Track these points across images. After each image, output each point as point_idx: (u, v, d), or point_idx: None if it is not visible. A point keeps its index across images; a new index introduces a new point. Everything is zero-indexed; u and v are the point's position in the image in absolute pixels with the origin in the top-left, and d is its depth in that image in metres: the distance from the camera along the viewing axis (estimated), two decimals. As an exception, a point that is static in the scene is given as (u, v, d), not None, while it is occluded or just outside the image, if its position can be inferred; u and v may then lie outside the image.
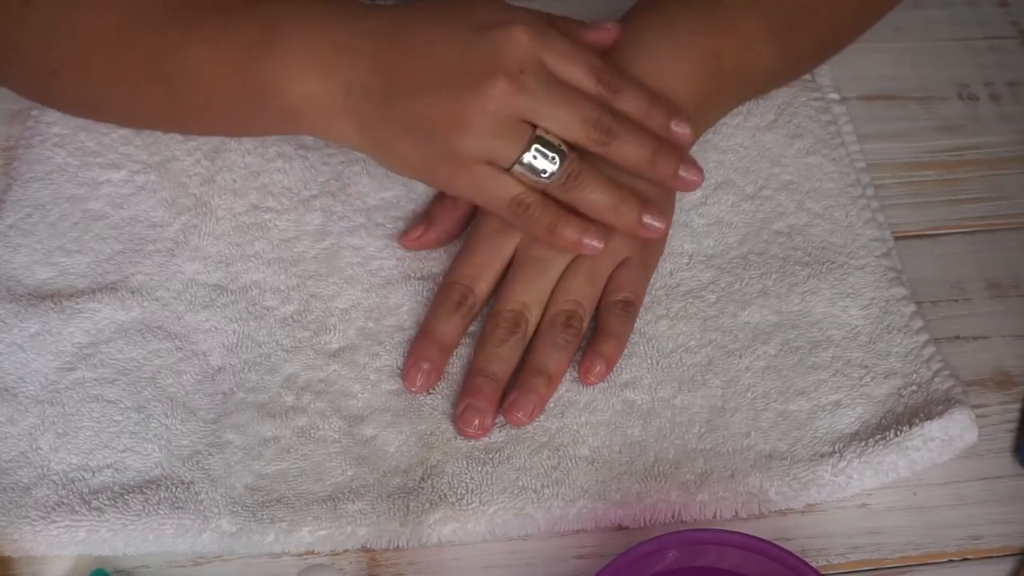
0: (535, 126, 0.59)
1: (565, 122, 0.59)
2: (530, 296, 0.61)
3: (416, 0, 0.62)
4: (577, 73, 0.60)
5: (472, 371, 0.60)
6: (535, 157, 0.59)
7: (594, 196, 0.60)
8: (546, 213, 0.60)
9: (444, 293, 0.62)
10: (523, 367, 0.60)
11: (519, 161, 0.59)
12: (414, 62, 0.59)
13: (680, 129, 0.61)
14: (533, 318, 0.61)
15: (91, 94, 0.66)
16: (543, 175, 0.59)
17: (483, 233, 0.63)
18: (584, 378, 0.60)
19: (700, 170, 0.61)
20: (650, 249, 0.64)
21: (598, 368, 0.60)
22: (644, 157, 0.60)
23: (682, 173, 0.61)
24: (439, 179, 0.61)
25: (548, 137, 0.59)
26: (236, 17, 0.62)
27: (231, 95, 0.62)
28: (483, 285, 0.62)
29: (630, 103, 0.60)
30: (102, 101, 0.67)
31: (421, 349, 0.61)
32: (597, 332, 0.61)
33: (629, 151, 0.60)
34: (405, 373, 0.60)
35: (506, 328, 0.60)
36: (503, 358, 0.60)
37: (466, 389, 0.59)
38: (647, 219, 0.60)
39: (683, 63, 0.65)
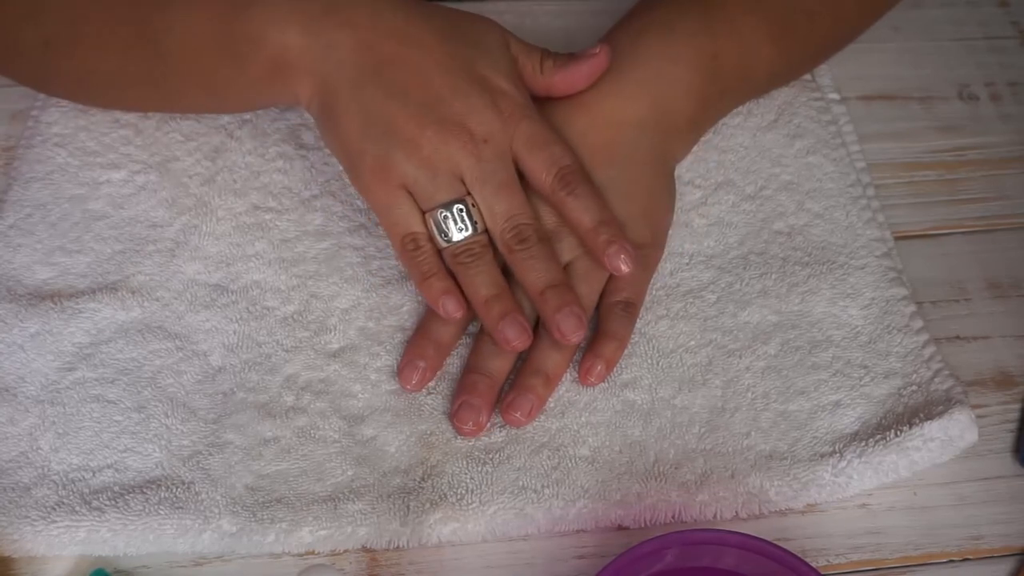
0: (470, 192, 0.59)
1: (491, 207, 0.59)
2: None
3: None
4: (537, 164, 0.60)
5: (468, 369, 0.60)
6: (448, 217, 0.59)
7: (476, 279, 0.59)
8: (428, 262, 0.60)
9: None
10: (521, 367, 0.60)
11: (435, 211, 0.59)
12: (404, 68, 0.59)
13: (616, 261, 0.59)
14: (530, 317, 0.61)
15: (82, 67, 0.65)
16: (446, 237, 0.59)
17: None
18: (584, 379, 0.60)
19: (580, 328, 0.58)
20: (650, 249, 0.64)
21: (598, 369, 0.60)
22: (535, 284, 0.59)
23: (558, 318, 0.58)
24: (361, 177, 0.60)
25: (473, 210, 0.59)
26: None
27: (216, 51, 0.62)
28: None
29: (581, 211, 0.60)
30: (93, 74, 0.66)
31: (417, 347, 0.61)
32: (598, 333, 0.61)
33: (528, 268, 0.59)
34: (400, 371, 0.60)
35: None
36: (500, 355, 0.60)
37: (461, 387, 0.59)
38: (502, 325, 0.59)
39: (680, 65, 0.65)
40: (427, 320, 0.62)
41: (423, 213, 0.60)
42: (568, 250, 0.62)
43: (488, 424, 0.59)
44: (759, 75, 0.69)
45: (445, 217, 0.59)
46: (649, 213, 0.64)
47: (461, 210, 0.59)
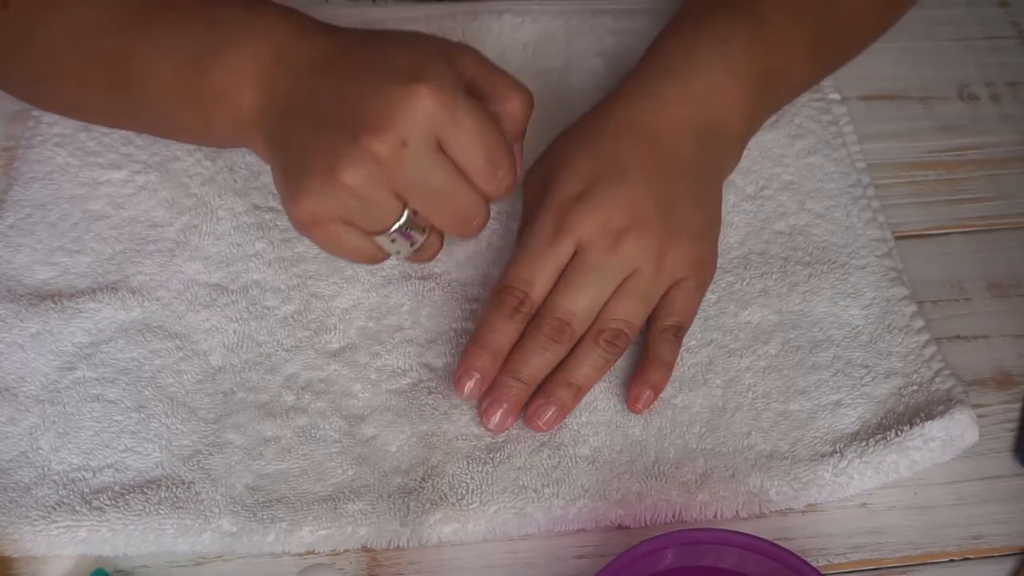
0: (406, 203, 0.56)
1: (439, 213, 0.56)
2: (580, 305, 0.59)
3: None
4: (476, 158, 0.55)
5: (506, 371, 0.59)
6: (394, 240, 0.57)
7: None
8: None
9: (500, 297, 0.59)
10: (553, 375, 0.59)
11: (380, 236, 0.57)
12: (325, 93, 0.56)
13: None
14: (579, 328, 0.59)
15: (69, 99, 0.66)
16: (400, 254, 0.58)
17: (541, 233, 0.60)
18: (632, 407, 0.59)
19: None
20: (706, 269, 0.62)
21: (646, 396, 0.59)
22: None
23: None
24: (296, 221, 0.57)
25: (417, 219, 0.56)
26: (190, 25, 0.61)
27: (182, 103, 0.61)
28: (539, 289, 0.59)
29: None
30: (80, 106, 0.66)
31: (473, 359, 0.59)
32: (646, 358, 0.60)
33: None
34: (457, 380, 0.59)
35: (549, 336, 0.59)
36: (538, 366, 0.59)
37: (496, 388, 0.59)
38: None
39: (737, 79, 0.64)
40: (483, 327, 0.59)
41: (368, 235, 0.57)
42: (620, 268, 0.59)
43: (511, 424, 0.59)
44: (797, 87, 0.69)
45: (392, 240, 0.57)
46: (713, 225, 0.63)
47: (406, 228, 0.56)
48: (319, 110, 0.56)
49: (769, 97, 0.67)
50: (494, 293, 0.60)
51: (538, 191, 0.62)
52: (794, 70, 0.67)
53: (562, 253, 0.59)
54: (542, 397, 0.59)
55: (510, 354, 0.59)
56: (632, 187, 0.60)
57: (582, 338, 0.60)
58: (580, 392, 0.59)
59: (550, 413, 0.59)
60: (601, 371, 0.60)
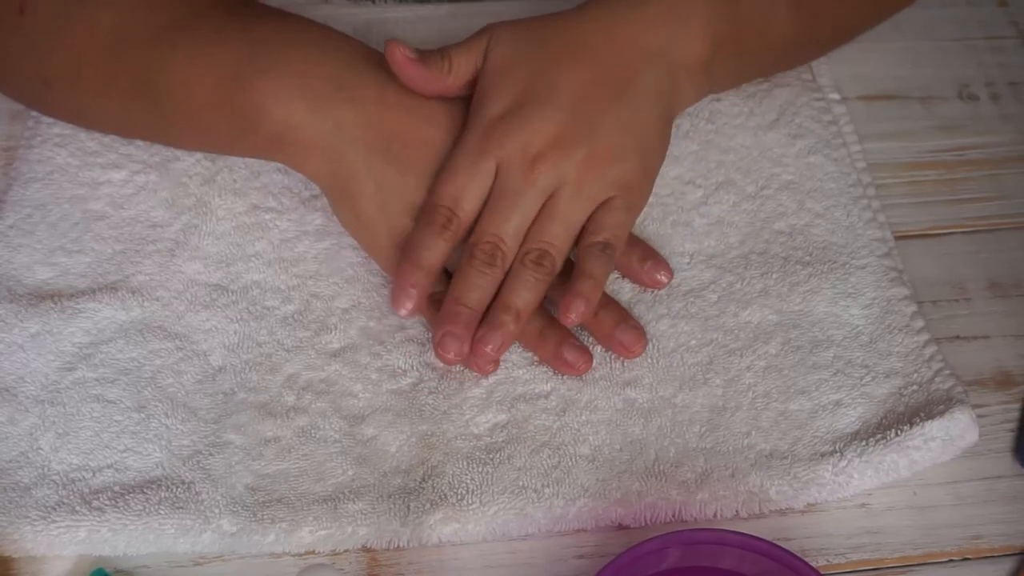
0: None
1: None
2: (506, 229, 0.60)
3: None
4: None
5: (451, 299, 0.60)
6: None
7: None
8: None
9: (428, 216, 0.61)
10: (493, 304, 0.60)
11: None
12: (412, 143, 0.61)
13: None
14: (509, 251, 0.60)
15: (82, 106, 0.66)
16: None
17: (465, 151, 0.61)
18: (564, 317, 0.59)
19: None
20: (634, 191, 0.62)
21: (577, 307, 0.59)
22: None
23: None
24: (383, 251, 0.62)
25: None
26: (227, 36, 0.62)
27: (216, 114, 0.62)
28: (466, 207, 0.60)
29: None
30: (93, 113, 0.67)
31: (408, 275, 0.60)
32: (575, 273, 0.60)
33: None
34: (394, 299, 0.60)
35: (483, 260, 0.60)
36: (480, 288, 0.60)
37: (444, 316, 0.59)
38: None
39: (696, 2, 0.64)
40: (414, 245, 0.60)
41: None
42: (536, 193, 0.60)
43: (467, 351, 0.59)
44: (775, 37, 0.68)
45: None
46: (643, 149, 0.62)
47: None
48: (409, 156, 0.61)
49: (739, 31, 0.66)
50: (423, 211, 0.61)
51: (475, 98, 0.63)
52: (772, 15, 0.66)
53: (485, 172, 0.61)
54: (485, 325, 0.59)
55: (452, 285, 0.60)
56: (557, 111, 0.60)
57: (512, 265, 0.61)
58: (520, 316, 0.60)
59: (496, 337, 0.59)
60: (535, 293, 0.60)
